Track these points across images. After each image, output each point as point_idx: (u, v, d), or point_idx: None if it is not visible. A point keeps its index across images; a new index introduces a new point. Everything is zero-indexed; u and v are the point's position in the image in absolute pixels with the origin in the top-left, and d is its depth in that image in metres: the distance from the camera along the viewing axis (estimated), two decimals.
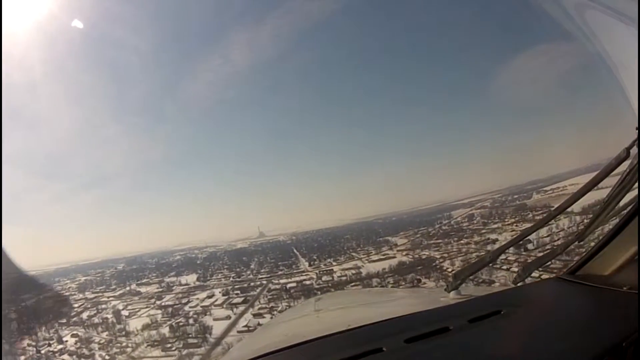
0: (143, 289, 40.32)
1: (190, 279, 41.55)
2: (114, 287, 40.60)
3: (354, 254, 42.50)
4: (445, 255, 36.43)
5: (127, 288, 40.52)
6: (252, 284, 39.91)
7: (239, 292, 38.72)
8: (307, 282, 38.70)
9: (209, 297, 38.15)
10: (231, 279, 41.42)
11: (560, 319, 1.61)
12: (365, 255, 41.64)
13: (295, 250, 45.59)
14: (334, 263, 41.53)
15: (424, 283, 32.39)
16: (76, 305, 36.64)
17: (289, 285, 38.80)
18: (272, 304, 36.00)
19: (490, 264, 1.95)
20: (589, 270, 1.87)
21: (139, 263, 45.09)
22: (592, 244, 1.84)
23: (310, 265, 41.57)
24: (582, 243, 1.88)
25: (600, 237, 1.80)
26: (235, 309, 35.62)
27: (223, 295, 38.32)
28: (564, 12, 2.24)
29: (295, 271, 41.35)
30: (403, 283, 33.56)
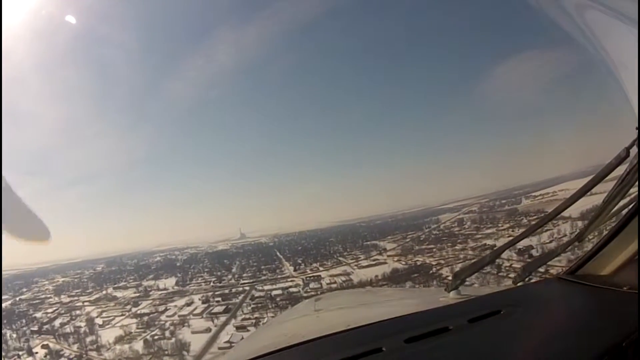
0: (119, 294, 39.49)
1: (169, 283, 40.72)
2: (90, 290, 40.01)
3: (341, 258, 42.04)
4: (442, 261, 36.33)
5: (104, 292, 39.78)
6: (233, 290, 38.78)
7: (219, 299, 37.40)
8: (294, 290, 37.68)
9: (188, 304, 36.92)
10: (212, 283, 40.58)
11: (560, 319, 1.66)
12: (353, 261, 41.26)
13: (278, 253, 45.17)
14: (321, 268, 40.76)
15: None
16: (50, 311, 35.88)
17: (274, 293, 37.52)
18: (256, 314, 34.32)
19: (490, 264, 2.00)
20: (589, 270, 1.92)
21: (118, 264, 44.66)
22: (592, 244, 1.89)
23: (295, 270, 40.82)
24: (582, 243, 1.93)
25: (600, 237, 1.85)
26: (215, 320, 34.28)
27: (203, 302, 37.07)
28: (563, 12, 2.31)
29: (279, 276, 40.43)
30: None
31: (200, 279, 41.77)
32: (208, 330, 33.27)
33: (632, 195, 1.69)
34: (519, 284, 2.09)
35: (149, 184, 69.36)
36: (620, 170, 1.62)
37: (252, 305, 36.24)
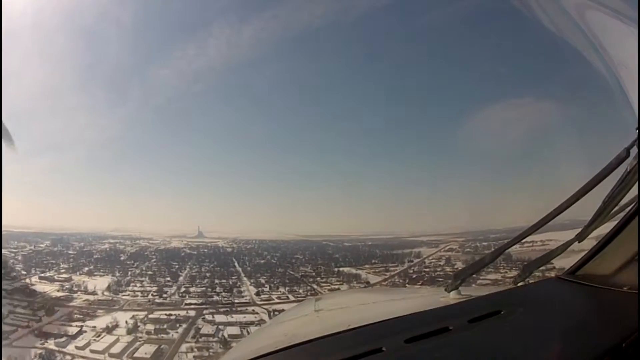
0: (40, 288, 33.61)
1: (101, 285, 35.20)
2: (15, 274, 34.55)
3: (315, 286, 37.25)
4: None
5: (27, 280, 34.16)
6: (174, 313, 32.07)
7: (152, 328, 30.25)
8: (256, 328, 26.86)
9: (109, 329, 29.72)
10: (150, 295, 34.54)
11: (560, 319, 1.74)
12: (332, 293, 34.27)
13: (237, 265, 41.17)
14: (292, 297, 35.09)
15: None
16: None
17: (228, 331, 29.56)
18: None
19: (490, 264, 2.13)
20: (589, 270, 2.03)
21: (64, 244, 39.39)
22: (592, 244, 2.00)
23: (258, 294, 35.59)
24: (582, 243, 2.03)
25: (600, 237, 1.95)
26: None
27: (128, 332, 29.72)
28: (564, 12, 2.51)
29: (237, 301, 34.58)
30: None
31: (138, 285, 36.05)
32: None
33: (632, 196, 1.78)
34: (519, 284, 2.20)
35: (119, 164, 70.17)
36: (621, 170, 1.72)
37: (195, 351, 28.33)
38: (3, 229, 34.77)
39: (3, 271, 33.84)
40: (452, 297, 2.17)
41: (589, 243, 2.06)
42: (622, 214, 1.89)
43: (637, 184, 1.72)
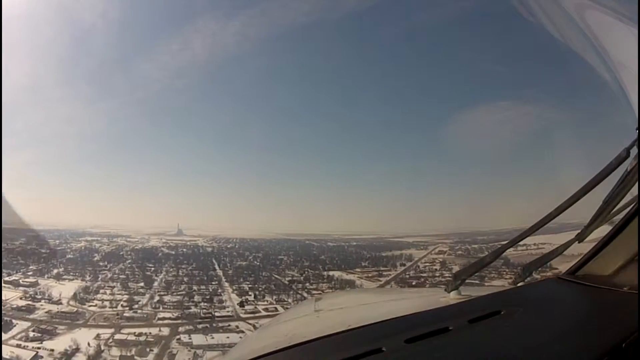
0: (4, 295, 30.25)
1: (68, 291, 32.79)
2: None
3: (305, 294, 34.57)
4: None
5: None
6: (143, 332, 28.59)
7: (116, 355, 26.57)
8: None
9: (68, 355, 26.42)
10: (119, 306, 31.69)
11: (560, 319, 1.77)
12: None
13: (217, 267, 38.77)
14: (280, 307, 32.00)
15: None
16: None
17: (207, 359, 25.90)
18: None
19: (490, 264, 2.18)
20: (589, 270, 2.06)
21: (38, 242, 37.57)
22: (592, 244, 2.03)
23: (242, 305, 32.94)
24: (582, 243, 2.07)
25: (600, 237, 1.98)
26: None
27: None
28: (563, 12, 2.58)
29: (218, 314, 31.55)
30: None
31: (108, 292, 33.40)
32: None
33: (632, 196, 1.81)
34: (519, 284, 2.23)
35: (103, 159, 71.35)
36: (621, 170, 1.75)
37: None
38: None
39: None
40: (452, 297, 2.20)
41: (589, 243, 2.10)
42: (622, 214, 1.92)
43: (637, 184, 1.74)
